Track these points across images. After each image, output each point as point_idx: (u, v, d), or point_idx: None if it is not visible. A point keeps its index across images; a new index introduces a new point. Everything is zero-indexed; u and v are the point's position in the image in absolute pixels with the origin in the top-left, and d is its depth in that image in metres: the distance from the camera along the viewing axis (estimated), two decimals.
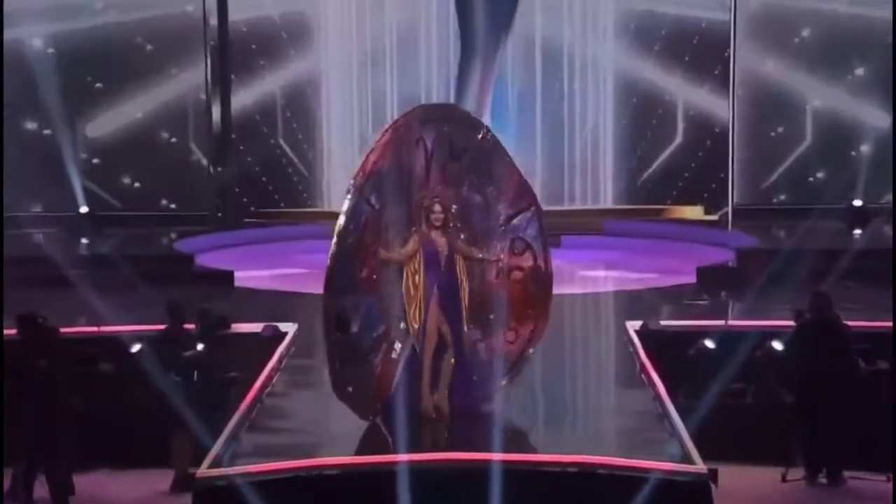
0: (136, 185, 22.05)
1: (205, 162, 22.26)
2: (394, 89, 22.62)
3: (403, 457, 8.25)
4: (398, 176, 9.08)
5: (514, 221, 9.32)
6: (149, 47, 21.90)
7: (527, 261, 9.31)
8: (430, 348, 9.08)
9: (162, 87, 21.96)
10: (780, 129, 22.07)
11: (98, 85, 21.87)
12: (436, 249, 9.08)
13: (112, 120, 21.88)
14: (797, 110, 21.91)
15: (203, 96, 22.07)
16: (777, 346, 11.33)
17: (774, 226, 20.50)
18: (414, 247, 9.04)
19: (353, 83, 22.75)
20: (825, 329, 10.70)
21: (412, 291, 9.03)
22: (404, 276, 9.06)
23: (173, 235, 20.05)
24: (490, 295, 9.26)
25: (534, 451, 8.49)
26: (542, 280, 9.36)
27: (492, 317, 9.27)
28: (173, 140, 22.14)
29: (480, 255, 9.23)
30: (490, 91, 21.92)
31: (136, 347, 11.31)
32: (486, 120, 22.12)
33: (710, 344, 11.78)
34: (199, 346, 10.88)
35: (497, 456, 8.18)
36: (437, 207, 9.08)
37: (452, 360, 9.15)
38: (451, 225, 9.14)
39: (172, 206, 22.17)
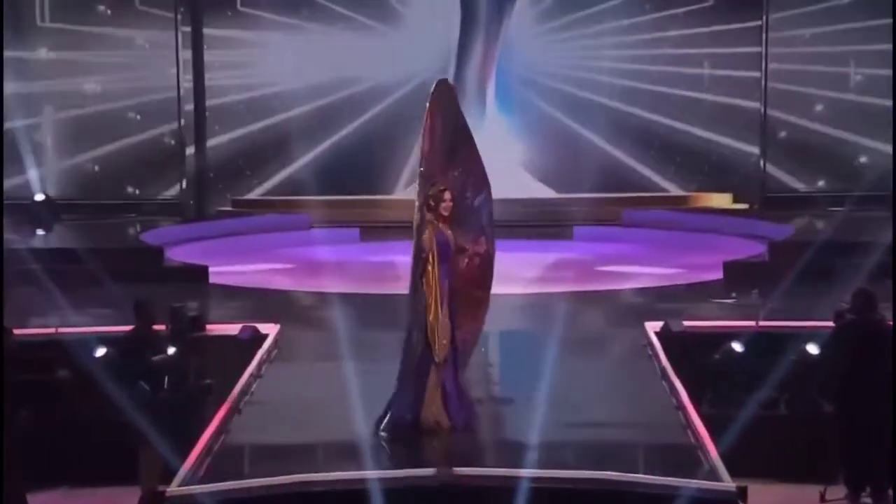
0: (97, 169, 22.10)
1: (175, 143, 22.30)
2: (389, 59, 22.66)
3: (398, 472, 8.32)
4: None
5: (475, 204, 9.52)
6: (109, 13, 21.91)
7: (482, 245, 9.52)
8: (443, 350, 9.19)
9: (125, 59, 21.98)
10: (819, 107, 22.12)
11: (51, 55, 21.85)
12: (446, 240, 9.22)
13: (68, 96, 21.89)
14: (839, 85, 21.92)
15: (173, 70, 22.10)
16: (814, 349, 11.37)
17: (812, 215, 20.54)
18: (430, 238, 9.17)
19: (342, 53, 22.78)
20: (868, 331, 10.72)
21: (428, 288, 9.17)
22: (424, 271, 9.19)
23: (138, 227, 20.09)
24: (462, 285, 9.43)
25: (545, 465, 8.55)
26: (490, 264, 9.59)
27: (462, 308, 9.45)
28: (139, 119, 22.17)
29: (468, 246, 9.39)
30: (494, 65, 21.97)
31: (98, 351, 11.35)
32: (490, 97, 22.22)
33: (738, 347, 11.83)
34: (170, 350, 10.93)
35: (505, 472, 8.26)
36: (447, 195, 9.22)
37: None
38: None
39: (138, 192, 22.22)
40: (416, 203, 9.27)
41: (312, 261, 18.85)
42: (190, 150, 22.25)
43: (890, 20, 21.05)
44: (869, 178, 20.91)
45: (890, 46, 21.28)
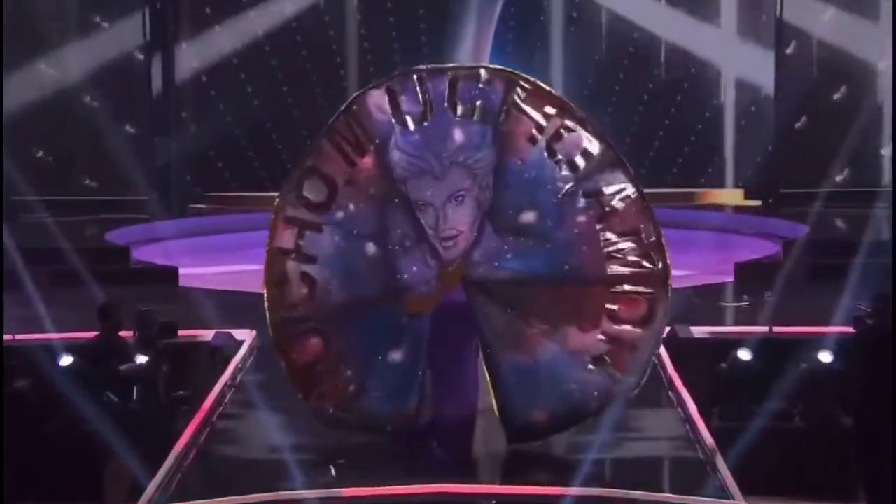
0: (52, 160, 22.03)
1: (140, 133, 22.25)
2: (377, 42, 22.68)
3: (381, 490, 8.40)
4: None
5: None
6: None
7: None
8: None
9: (85, 41, 21.92)
10: (840, 93, 22.10)
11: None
12: None
13: (21, 80, 21.79)
14: (863, 70, 21.89)
15: (140, 55, 22.05)
16: (832, 357, 11.45)
17: (831, 212, 20.58)
18: None
19: (326, 37, 22.79)
20: (890, 338, 10.80)
21: None
22: None
23: (100, 225, 20.05)
24: None
25: (542, 481, 8.63)
26: None
27: None
28: (98, 105, 22.08)
29: None
30: (487, 51, 22.03)
31: (60, 360, 11.38)
32: None
33: (750, 355, 11.90)
34: (138, 359, 10.97)
35: (498, 489, 8.35)
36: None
37: None
38: None
39: (98, 186, 22.15)
40: None
41: None
42: (157, 141, 22.21)
43: None
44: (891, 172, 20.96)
45: None
